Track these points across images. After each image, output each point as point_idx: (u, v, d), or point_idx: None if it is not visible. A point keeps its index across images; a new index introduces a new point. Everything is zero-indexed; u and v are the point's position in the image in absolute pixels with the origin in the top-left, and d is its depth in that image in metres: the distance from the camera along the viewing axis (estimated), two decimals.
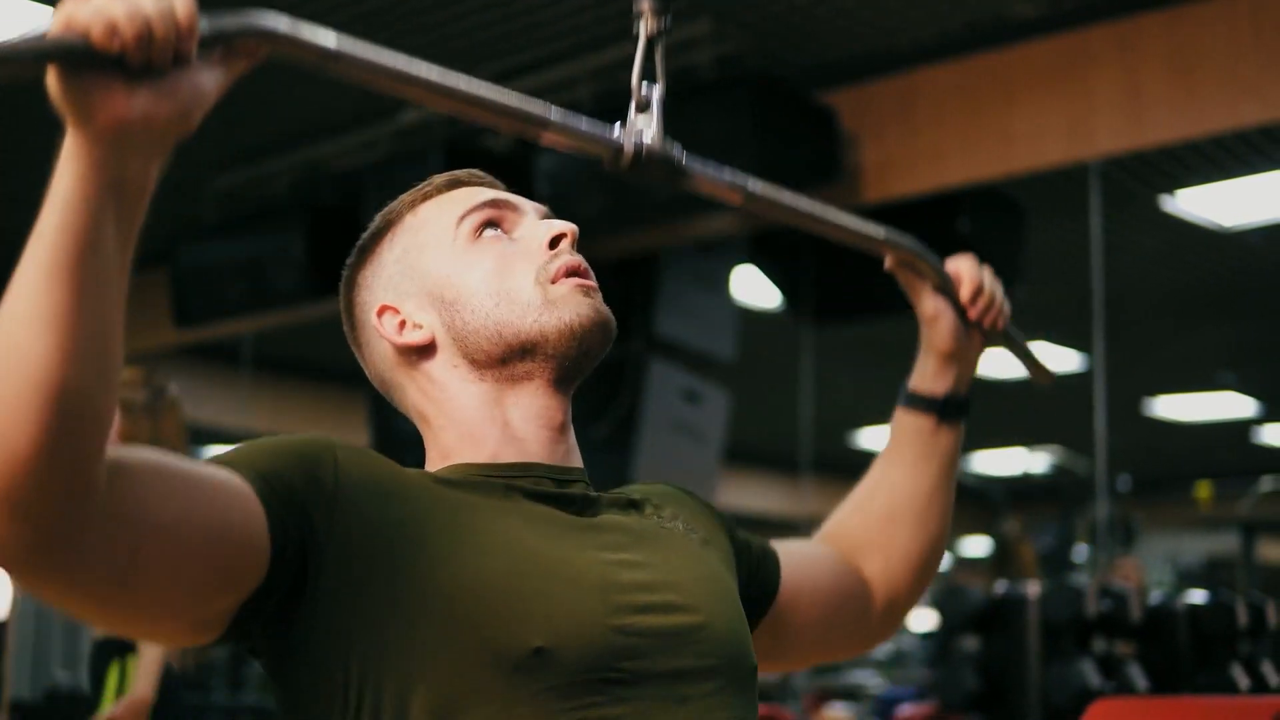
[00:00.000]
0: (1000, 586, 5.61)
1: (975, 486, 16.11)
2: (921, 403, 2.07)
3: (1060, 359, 11.18)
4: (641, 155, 1.60)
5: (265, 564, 1.38)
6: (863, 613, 1.99)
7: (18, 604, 8.64)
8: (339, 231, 6.99)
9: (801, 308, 7.94)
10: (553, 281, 1.64)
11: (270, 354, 10.73)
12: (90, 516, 1.22)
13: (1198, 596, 5.27)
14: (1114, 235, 7.60)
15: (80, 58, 1.17)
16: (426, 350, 1.68)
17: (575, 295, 1.64)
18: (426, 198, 1.75)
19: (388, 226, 1.76)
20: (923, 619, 15.52)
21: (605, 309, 1.66)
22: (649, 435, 7.25)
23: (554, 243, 1.67)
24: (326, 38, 1.39)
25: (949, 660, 5.55)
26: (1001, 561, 8.42)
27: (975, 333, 2.09)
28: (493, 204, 1.72)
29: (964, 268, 2.05)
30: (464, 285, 1.66)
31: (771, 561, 1.86)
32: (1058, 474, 15.48)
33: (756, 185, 1.73)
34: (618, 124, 1.62)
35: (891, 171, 6.40)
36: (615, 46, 6.29)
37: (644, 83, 1.64)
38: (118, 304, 1.24)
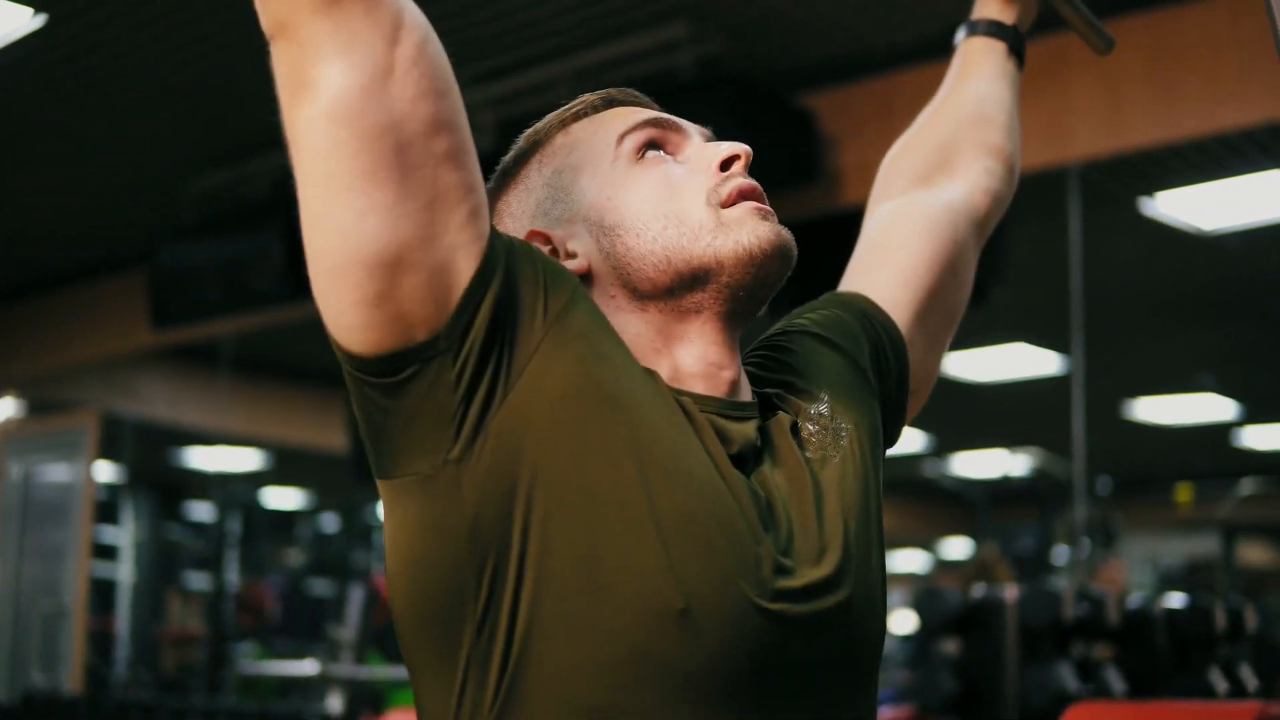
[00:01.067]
0: (979, 590, 5.61)
1: (955, 489, 16.14)
2: (994, 28, 2.04)
3: (1040, 361, 11.21)
4: None
5: (441, 315, 1.32)
6: (965, 255, 1.93)
7: None
8: None
9: (782, 310, 7.92)
10: (725, 204, 1.51)
11: (249, 355, 10.72)
12: None
13: (1176, 600, 5.27)
14: (1093, 238, 7.60)
15: None
16: (581, 280, 1.50)
17: (752, 217, 1.50)
18: (579, 117, 1.62)
19: (534, 148, 1.62)
20: (902, 621, 15.56)
21: (786, 232, 1.52)
22: None
23: (726, 165, 1.54)
24: None
25: (927, 663, 5.55)
26: (979, 579, 8.42)
27: None
28: (655, 123, 1.58)
29: None
30: (627, 208, 1.52)
31: (900, 347, 1.78)
32: (1037, 476, 15.51)
33: None
34: None
35: (871, 173, 6.28)
36: (597, 49, 6.28)
37: None
38: None
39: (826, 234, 7.22)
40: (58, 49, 6.33)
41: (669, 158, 1.56)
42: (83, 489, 9.37)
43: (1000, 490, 16.95)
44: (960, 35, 2.04)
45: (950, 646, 5.40)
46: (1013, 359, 11.37)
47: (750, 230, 1.49)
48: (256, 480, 17.89)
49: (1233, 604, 5.23)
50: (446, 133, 1.33)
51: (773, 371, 1.65)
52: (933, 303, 1.84)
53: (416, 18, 1.36)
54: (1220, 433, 14.81)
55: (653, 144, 1.56)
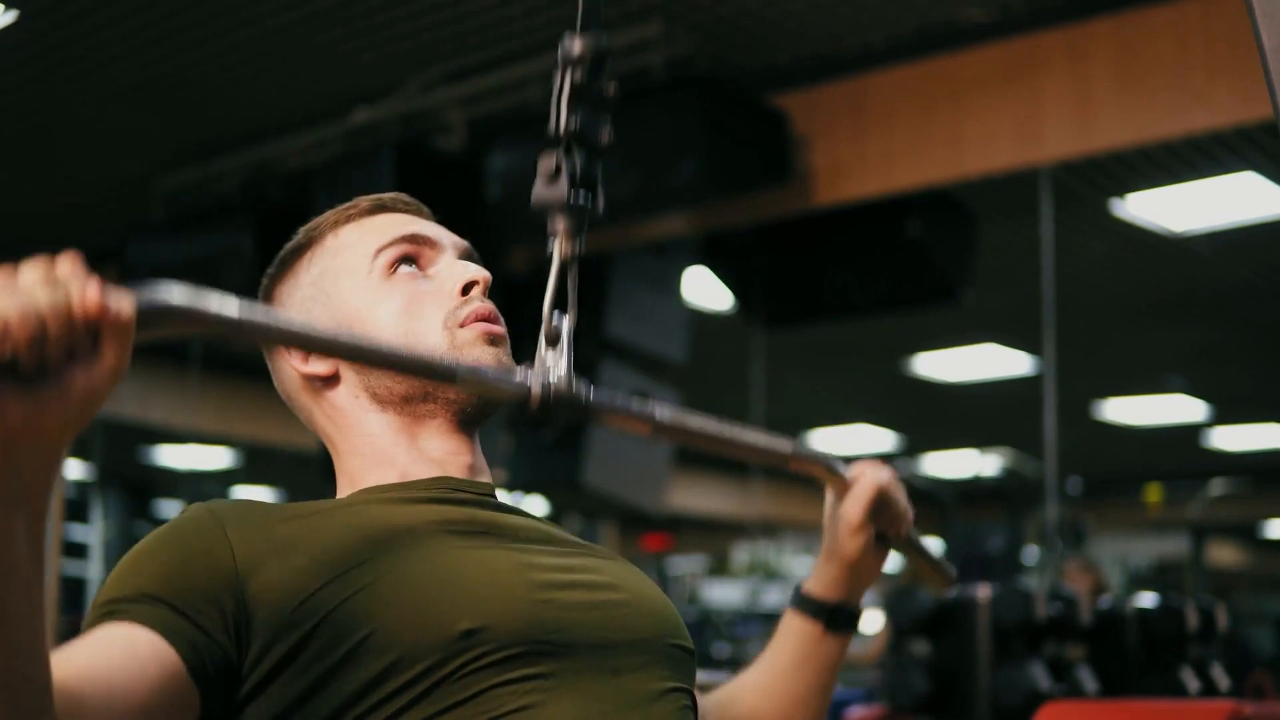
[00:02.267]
0: (949, 589, 5.62)
1: (926, 489, 16.17)
2: (811, 606, 1.97)
3: (1010, 362, 11.24)
4: (550, 399, 1.53)
5: (196, 696, 1.36)
6: None
7: None
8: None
9: (753, 310, 7.95)
10: (461, 325, 1.65)
11: (218, 354, 10.68)
12: None
13: (1147, 600, 5.27)
14: (1064, 239, 7.63)
15: None
16: (330, 380, 1.69)
17: (479, 343, 1.64)
18: (350, 219, 1.75)
19: (309, 244, 1.75)
20: (873, 622, 15.57)
21: (508, 359, 1.65)
22: (599, 437, 7.24)
23: (466, 289, 1.68)
24: (228, 306, 1.28)
25: (898, 662, 5.56)
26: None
27: (880, 543, 1.97)
28: (411, 239, 1.71)
29: (869, 477, 1.93)
30: (374, 321, 1.66)
31: None
32: (1008, 476, 15.55)
33: (664, 413, 1.67)
34: (523, 367, 1.56)
35: (842, 174, 6.41)
36: None
37: (555, 312, 1.57)
38: (41, 621, 1.16)
39: (797, 234, 7.27)
40: (27, 45, 6.31)
41: (420, 273, 1.70)
42: None
43: (971, 490, 17.00)
44: (791, 599, 2.02)
45: (921, 646, 5.41)
46: (984, 359, 11.40)
47: (476, 357, 1.62)
48: (227, 478, 17.86)
49: (1204, 604, 5.25)
50: None
51: None
52: None
53: None
54: (1190, 433, 14.86)
55: (407, 258, 1.70)
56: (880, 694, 6.75)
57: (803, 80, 6.49)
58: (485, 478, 1.69)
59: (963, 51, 6.09)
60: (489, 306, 1.67)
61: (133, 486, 16.43)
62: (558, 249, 1.59)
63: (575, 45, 1.60)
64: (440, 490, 1.61)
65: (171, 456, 15.74)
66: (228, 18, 6.02)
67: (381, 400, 1.66)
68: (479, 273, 1.69)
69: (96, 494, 15.56)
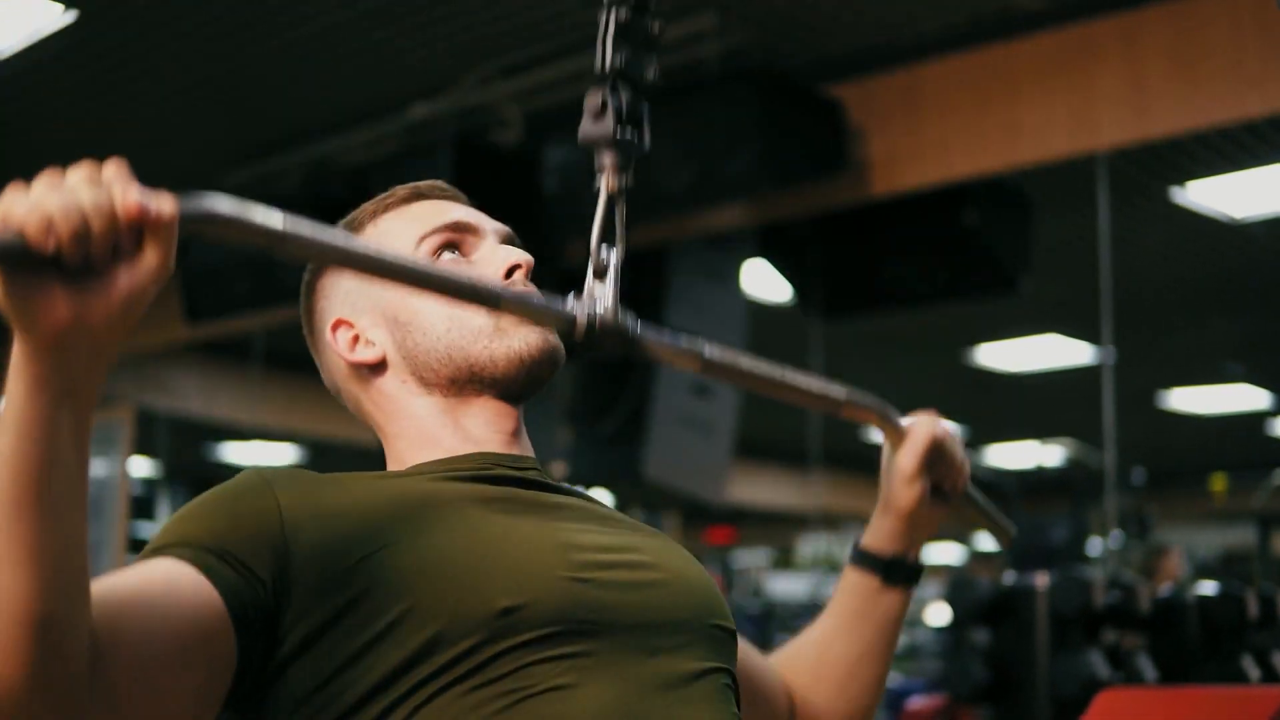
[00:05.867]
0: (1009, 577, 5.60)
1: (988, 480, 16.10)
2: (867, 560, 1.97)
3: (1071, 352, 11.20)
4: (595, 328, 1.56)
5: (234, 642, 1.38)
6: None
7: None
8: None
9: (811, 301, 7.94)
10: None
11: (281, 350, 10.75)
12: (82, 713, 1.23)
13: (1208, 588, 5.25)
14: (1122, 227, 7.60)
15: (16, 257, 1.10)
16: (378, 367, 1.72)
17: (526, 324, 1.66)
18: (388, 209, 1.78)
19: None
20: (937, 613, 15.54)
21: (554, 338, 1.68)
22: (659, 429, 7.25)
23: (509, 273, 1.70)
24: (273, 218, 1.31)
25: (958, 652, 5.55)
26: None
27: (937, 496, 1.99)
28: (453, 226, 1.74)
29: (924, 427, 1.95)
30: (419, 307, 1.69)
31: None
32: (1071, 467, 15.46)
33: (713, 351, 1.68)
34: (570, 296, 1.58)
35: (898, 164, 6.40)
36: None
37: (603, 245, 1.60)
38: (82, 513, 1.22)
39: (854, 225, 7.26)
40: (88, 45, 6.37)
41: (463, 259, 1.73)
42: (118, 484, 9.41)
43: (1034, 481, 16.91)
44: (849, 554, 2.02)
45: (981, 635, 5.41)
46: (1044, 350, 11.36)
47: (522, 337, 1.67)
48: None
49: (1265, 591, 5.22)
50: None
51: None
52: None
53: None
54: (1254, 422, 14.77)
55: (449, 245, 1.73)
56: (941, 684, 6.74)
57: (857, 71, 6.49)
58: (529, 453, 1.71)
59: (1017, 40, 6.08)
60: (532, 289, 1.67)
61: (198, 483, 16.45)
62: (605, 183, 1.61)
63: None
64: (482, 465, 1.64)
65: (236, 453, 15.84)
66: (284, 15, 6.06)
67: (428, 384, 1.69)
68: (521, 256, 1.71)
69: (162, 490, 15.67)
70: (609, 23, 1.61)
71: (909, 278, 7.36)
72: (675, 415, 7.43)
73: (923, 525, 1.97)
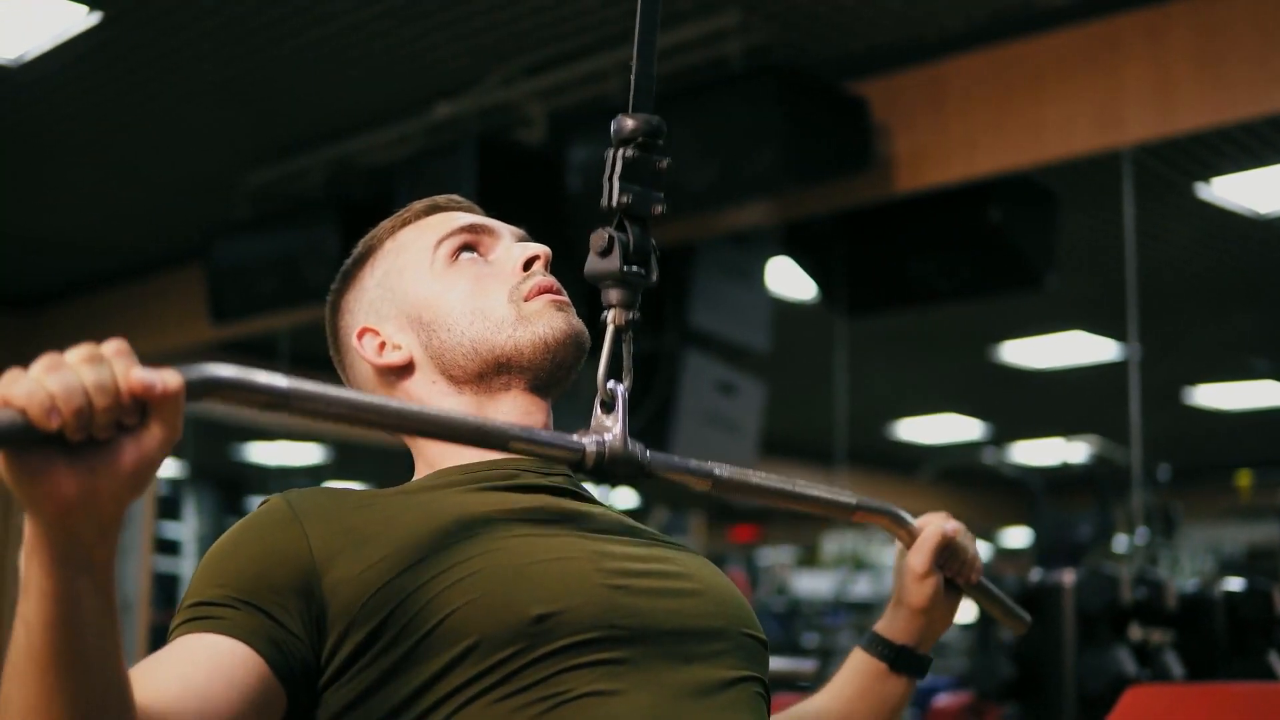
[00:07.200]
0: (1035, 574, 5.59)
1: (1013, 477, 16.07)
2: (877, 644, 1.99)
3: (1097, 348, 11.16)
4: (604, 458, 1.55)
5: (283, 695, 1.41)
6: None
7: None
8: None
9: (835, 299, 7.93)
10: (526, 299, 1.73)
11: (306, 349, 10.76)
12: None
13: (1234, 584, 5.24)
14: (1147, 223, 7.57)
15: (19, 438, 1.10)
16: (405, 370, 1.77)
17: (548, 310, 1.72)
18: (405, 223, 1.84)
19: (369, 253, 1.86)
20: (964, 611, 15.52)
21: (578, 322, 1.73)
22: (684, 427, 7.26)
23: (528, 265, 1.75)
24: (276, 380, 1.31)
25: (985, 649, 5.54)
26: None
27: (950, 590, 2.00)
28: (469, 229, 1.80)
29: (934, 526, 1.96)
30: (441, 306, 1.74)
31: None
32: (1096, 464, 15.42)
33: (724, 470, 1.67)
34: (578, 434, 1.57)
35: (923, 161, 6.39)
36: None
37: (610, 381, 1.60)
38: (116, 659, 1.22)
39: (878, 222, 7.25)
40: (112, 46, 6.39)
41: (480, 259, 1.79)
42: None
43: (1059, 478, 16.88)
44: (863, 637, 2.05)
45: (1008, 632, 5.39)
46: (1069, 346, 11.33)
47: (546, 322, 1.71)
48: (317, 474, 17.97)
49: None
50: None
51: None
52: None
53: None
54: None
55: (467, 247, 1.79)
56: (967, 681, 6.73)
57: (881, 67, 6.47)
58: None
59: (1041, 35, 6.06)
60: (551, 279, 1.75)
61: (224, 483, 16.56)
62: (611, 319, 1.62)
63: (627, 124, 1.61)
64: (511, 473, 1.66)
65: (262, 453, 15.85)
66: (307, 15, 6.07)
67: (457, 381, 1.73)
68: (539, 248, 1.77)
69: (189, 491, 15.69)
70: (615, 162, 1.61)
71: (933, 275, 7.34)
72: (700, 413, 7.43)
73: (937, 619, 2.00)
